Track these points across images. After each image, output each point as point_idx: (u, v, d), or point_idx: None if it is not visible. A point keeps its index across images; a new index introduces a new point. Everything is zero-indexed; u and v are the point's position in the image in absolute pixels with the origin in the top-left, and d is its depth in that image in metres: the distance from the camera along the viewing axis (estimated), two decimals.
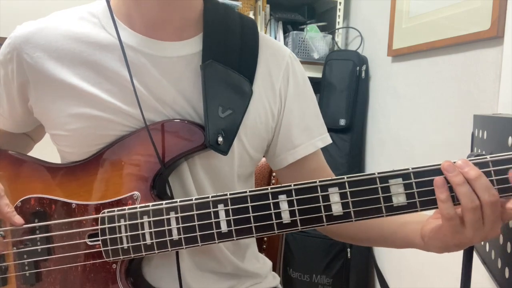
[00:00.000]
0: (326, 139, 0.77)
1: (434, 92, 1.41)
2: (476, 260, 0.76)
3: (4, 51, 0.66)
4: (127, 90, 0.63)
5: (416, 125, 1.51)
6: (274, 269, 0.87)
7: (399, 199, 0.54)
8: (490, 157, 0.52)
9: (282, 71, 0.72)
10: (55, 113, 0.65)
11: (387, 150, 1.71)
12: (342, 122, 1.82)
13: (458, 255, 0.77)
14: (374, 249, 1.80)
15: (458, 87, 1.28)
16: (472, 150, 0.84)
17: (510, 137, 0.63)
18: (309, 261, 1.80)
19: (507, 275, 0.64)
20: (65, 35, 0.65)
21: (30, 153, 0.72)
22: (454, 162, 0.53)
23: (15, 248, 0.65)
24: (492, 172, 0.52)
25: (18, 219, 0.63)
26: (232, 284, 0.74)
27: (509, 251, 0.64)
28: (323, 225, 0.55)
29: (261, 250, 0.86)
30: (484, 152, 0.71)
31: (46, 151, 0.78)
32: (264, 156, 0.77)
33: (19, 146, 0.79)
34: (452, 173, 0.51)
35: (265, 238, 0.97)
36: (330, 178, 0.56)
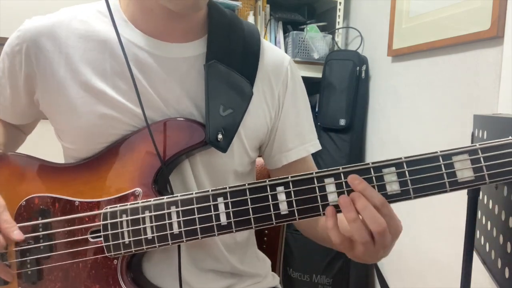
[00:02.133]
0: (317, 145, 0.80)
1: (434, 92, 1.41)
2: (476, 260, 0.76)
3: (12, 42, 0.67)
4: (133, 89, 0.64)
5: (416, 125, 1.51)
6: (274, 269, 0.87)
7: (392, 187, 0.55)
8: (479, 144, 0.54)
9: (282, 77, 0.75)
10: (63, 108, 0.66)
11: (387, 150, 1.71)
12: (342, 122, 1.82)
13: (458, 255, 0.77)
14: None
15: (458, 87, 1.28)
16: None
17: (510, 137, 0.63)
18: (309, 261, 1.80)
19: (507, 275, 0.64)
20: (75, 32, 0.66)
21: (32, 152, 0.72)
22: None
23: (18, 246, 0.65)
24: (482, 158, 0.54)
25: (17, 235, 0.61)
26: (232, 282, 0.75)
27: (509, 251, 0.64)
28: (320, 215, 0.57)
29: (261, 249, 0.86)
30: None
31: (48, 150, 0.79)
32: (260, 156, 0.80)
33: (12, 138, 0.79)
34: (346, 208, 0.54)
35: (265, 238, 0.97)
36: (326, 169, 0.57)
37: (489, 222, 0.74)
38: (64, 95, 0.65)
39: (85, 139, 0.66)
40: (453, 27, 1.28)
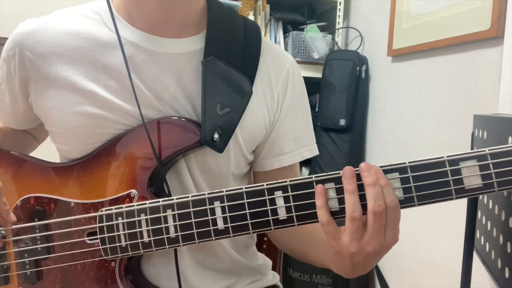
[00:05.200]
0: (314, 150, 0.77)
1: (434, 92, 1.41)
2: (476, 260, 0.76)
3: (7, 47, 0.67)
4: (126, 87, 0.63)
5: (416, 125, 1.51)
6: (274, 269, 0.87)
7: (395, 193, 0.53)
8: (489, 150, 0.51)
9: (283, 78, 0.73)
10: (54, 110, 0.65)
11: (387, 150, 1.71)
12: (342, 122, 1.82)
13: (458, 255, 0.77)
14: None
15: (458, 87, 1.28)
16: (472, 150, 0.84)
17: (510, 137, 0.63)
18: None
19: (507, 275, 0.64)
20: (66, 31, 0.65)
21: (31, 153, 0.72)
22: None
23: (15, 247, 0.65)
24: (491, 165, 0.51)
25: (12, 217, 0.63)
26: (232, 282, 0.74)
27: (509, 251, 0.64)
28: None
29: (261, 250, 0.86)
30: None
31: (46, 150, 0.79)
32: None
33: (22, 145, 0.79)
34: (348, 179, 0.52)
35: (265, 238, 0.97)
36: (326, 173, 0.55)
37: (489, 222, 0.74)
38: (55, 96, 0.65)
39: (77, 140, 0.65)
40: (453, 27, 1.28)
